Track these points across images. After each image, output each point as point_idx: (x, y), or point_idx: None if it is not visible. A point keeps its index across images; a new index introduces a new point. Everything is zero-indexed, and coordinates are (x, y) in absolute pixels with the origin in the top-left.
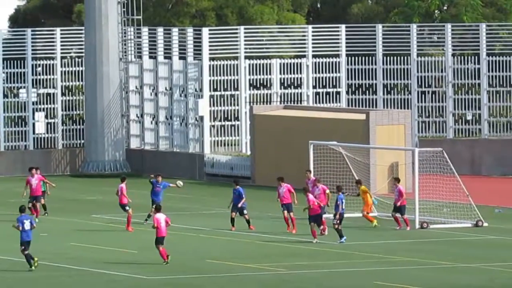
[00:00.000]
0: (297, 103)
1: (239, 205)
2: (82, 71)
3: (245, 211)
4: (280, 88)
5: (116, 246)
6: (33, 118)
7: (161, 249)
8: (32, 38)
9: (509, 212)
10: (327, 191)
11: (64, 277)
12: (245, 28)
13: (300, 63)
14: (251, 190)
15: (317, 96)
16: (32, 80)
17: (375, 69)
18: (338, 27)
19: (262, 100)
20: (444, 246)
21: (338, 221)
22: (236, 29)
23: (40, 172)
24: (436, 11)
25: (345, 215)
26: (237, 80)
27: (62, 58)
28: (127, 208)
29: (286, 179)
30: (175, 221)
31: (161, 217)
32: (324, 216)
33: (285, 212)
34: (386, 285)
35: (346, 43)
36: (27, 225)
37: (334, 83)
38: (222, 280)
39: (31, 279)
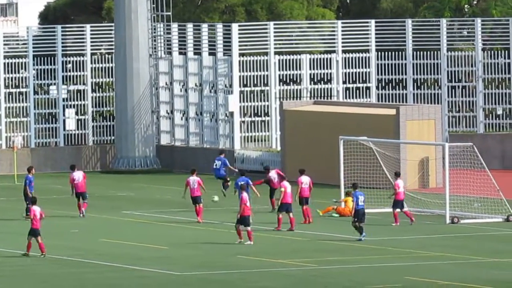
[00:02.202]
0: (327, 98)
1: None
2: (112, 67)
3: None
4: (310, 84)
5: (147, 242)
6: (64, 115)
7: (30, 241)
8: (62, 35)
9: None
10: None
11: (94, 273)
12: (274, 24)
13: (330, 58)
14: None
15: (347, 91)
16: (62, 76)
17: (405, 64)
18: (367, 22)
19: (292, 95)
20: (474, 241)
21: (355, 219)
22: (266, 24)
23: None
24: (465, 5)
25: (375, 210)
26: (267, 75)
27: (92, 54)
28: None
29: (316, 175)
30: (206, 216)
31: (36, 209)
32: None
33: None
34: (416, 280)
35: (376, 38)
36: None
37: (364, 78)
38: (253, 276)
39: (61, 275)
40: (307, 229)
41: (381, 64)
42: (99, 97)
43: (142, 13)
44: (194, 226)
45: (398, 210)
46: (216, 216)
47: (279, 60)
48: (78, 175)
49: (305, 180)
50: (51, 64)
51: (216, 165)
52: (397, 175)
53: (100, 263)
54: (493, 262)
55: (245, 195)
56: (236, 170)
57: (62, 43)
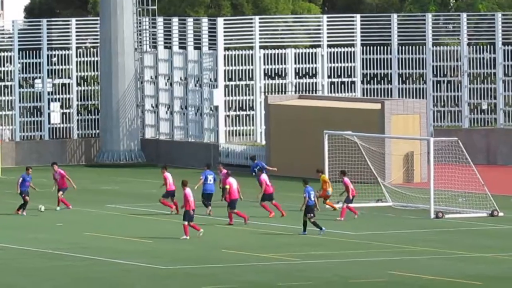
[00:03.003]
0: (312, 92)
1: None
2: (97, 61)
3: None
4: (295, 78)
5: (131, 235)
6: (49, 108)
7: None
8: (48, 29)
9: None
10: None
11: (78, 266)
12: (260, 18)
13: (315, 53)
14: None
15: (332, 86)
16: (48, 70)
17: (390, 58)
18: (353, 16)
19: (277, 90)
20: (459, 236)
21: (310, 214)
22: (251, 19)
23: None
24: (451, 0)
25: (359, 205)
26: (252, 70)
27: (77, 48)
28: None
29: (300, 169)
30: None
31: None
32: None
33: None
34: (400, 274)
35: (361, 32)
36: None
37: (349, 73)
38: (238, 270)
39: (45, 269)
40: (290, 224)
41: (366, 59)
42: (84, 90)
43: (127, 7)
44: (179, 220)
45: (346, 205)
46: (201, 210)
47: (264, 54)
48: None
49: (233, 181)
50: (36, 58)
51: (209, 180)
52: (343, 173)
53: (85, 257)
54: (478, 257)
55: (264, 176)
56: (275, 169)
57: (48, 36)
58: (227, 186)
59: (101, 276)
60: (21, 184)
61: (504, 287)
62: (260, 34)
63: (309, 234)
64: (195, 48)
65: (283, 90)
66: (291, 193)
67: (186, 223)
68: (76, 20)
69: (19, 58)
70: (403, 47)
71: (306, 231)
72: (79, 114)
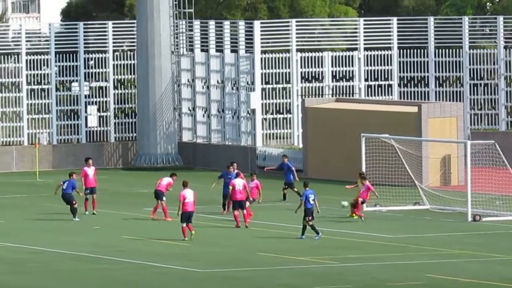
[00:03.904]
0: (349, 95)
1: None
2: (134, 64)
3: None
4: (332, 81)
5: (168, 239)
6: (86, 112)
7: None
8: (84, 32)
9: None
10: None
11: (115, 270)
12: (296, 21)
13: (352, 56)
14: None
15: (369, 89)
16: (85, 73)
17: (427, 61)
18: (389, 19)
19: (314, 93)
20: (496, 239)
21: (308, 217)
22: (288, 21)
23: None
24: (487, 3)
25: (397, 208)
26: (289, 73)
27: (114, 51)
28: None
29: (338, 172)
30: (228, 214)
31: None
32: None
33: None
34: (438, 277)
35: (398, 35)
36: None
37: (386, 76)
38: (275, 273)
39: (83, 272)
40: (327, 227)
41: (403, 62)
42: (121, 94)
43: (164, 10)
44: (215, 223)
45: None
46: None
47: (301, 58)
48: (92, 169)
49: (238, 182)
50: (73, 61)
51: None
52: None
53: (122, 260)
54: None
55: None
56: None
57: (84, 40)
58: (230, 187)
59: (137, 279)
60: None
61: None
62: (297, 37)
63: (345, 237)
64: (232, 51)
65: (320, 93)
66: (328, 196)
67: (183, 224)
68: (113, 23)
69: (56, 61)
70: (440, 50)
71: (304, 235)
72: (116, 117)
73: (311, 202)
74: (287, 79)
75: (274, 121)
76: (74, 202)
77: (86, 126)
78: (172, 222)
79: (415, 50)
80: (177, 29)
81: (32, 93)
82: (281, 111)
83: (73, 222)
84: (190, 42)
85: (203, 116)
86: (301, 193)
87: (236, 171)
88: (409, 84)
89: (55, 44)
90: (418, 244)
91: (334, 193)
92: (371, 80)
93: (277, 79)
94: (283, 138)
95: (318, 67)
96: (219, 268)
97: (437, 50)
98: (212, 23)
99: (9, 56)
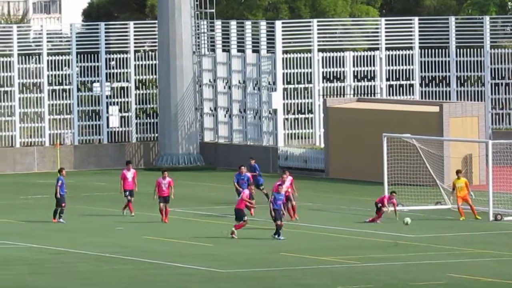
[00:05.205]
0: (371, 95)
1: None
2: (155, 64)
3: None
4: (354, 81)
5: (190, 239)
6: (107, 112)
7: None
8: (106, 32)
9: None
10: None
11: (137, 270)
12: (318, 21)
13: (374, 56)
14: (324, 183)
15: (391, 89)
16: (106, 74)
17: (448, 61)
18: (411, 19)
19: (335, 92)
20: None
21: (277, 219)
22: (309, 21)
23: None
24: (509, 2)
25: (418, 208)
26: (311, 73)
27: (135, 51)
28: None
29: (360, 172)
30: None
31: None
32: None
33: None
34: (460, 277)
35: (419, 35)
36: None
37: (407, 76)
38: (296, 273)
39: (104, 272)
40: (349, 227)
41: (424, 62)
42: (142, 94)
43: (185, 10)
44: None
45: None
46: (261, 213)
47: (322, 57)
48: (131, 173)
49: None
50: (94, 61)
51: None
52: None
53: (144, 260)
54: None
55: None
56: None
57: (106, 40)
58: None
59: (159, 280)
60: (61, 187)
61: None
62: (318, 37)
63: (367, 236)
64: (254, 51)
65: (342, 93)
66: (351, 196)
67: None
68: (134, 24)
69: (77, 62)
70: (461, 49)
71: (282, 235)
72: (138, 118)
73: (278, 203)
74: (309, 79)
75: (296, 121)
76: (63, 204)
77: (108, 126)
78: (196, 223)
79: (437, 50)
80: (198, 29)
81: (54, 93)
82: (302, 111)
83: (62, 224)
84: (212, 42)
85: (225, 116)
86: (269, 195)
87: (247, 174)
88: (430, 84)
89: (77, 45)
90: (440, 243)
91: (356, 193)
92: (392, 80)
93: (299, 79)
94: (305, 138)
95: (340, 67)
96: (241, 268)
97: (458, 50)
98: (233, 23)
99: (31, 57)
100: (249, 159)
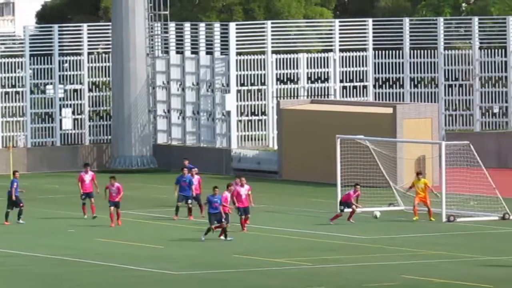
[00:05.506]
0: (324, 97)
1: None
2: (109, 66)
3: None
4: (307, 83)
5: (143, 241)
6: (60, 114)
7: None
8: (59, 34)
9: None
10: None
11: (90, 272)
12: (272, 23)
13: (327, 57)
14: (278, 185)
15: (344, 90)
16: (59, 76)
17: (402, 62)
18: (365, 21)
19: (289, 94)
20: (471, 239)
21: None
22: (263, 23)
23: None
24: (463, 3)
25: (372, 209)
26: (264, 74)
27: (89, 54)
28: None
29: (313, 173)
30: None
31: None
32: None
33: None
34: (413, 278)
35: (373, 37)
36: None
37: (361, 77)
38: (249, 275)
39: (57, 275)
40: (301, 228)
41: (378, 63)
42: (96, 96)
43: (139, 12)
44: (191, 226)
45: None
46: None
47: (276, 59)
48: (89, 175)
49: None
50: (48, 64)
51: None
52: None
53: (97, 263)
54: (489, 260)
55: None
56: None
57: (59, 42)
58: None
59: (112, 282)
60: (16, 189)
61: None
62: (272, 39)
63: (320, 238)
64: (207, 53)
65: (295, 94)
66: (305, 198)
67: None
68: (88, 26)
69: (30, 64)
70: (415, 51)
71: (229, 237)
72: (91, 120)
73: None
74: (263, 81)
75: (249, 123)
76: (21, 204)
77: (61, 128)
78: (148, 225)
79: (390, 51)
80: (152, 31)
81: (7, 96)
82: (256, 113)
83: (21, 225)
84: (166, 44)
85: (178, 118)
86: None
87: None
88: (384, 85)
89: (30, 47)
90: (393, 245)
91: (310, 195)
92: (346, 82)
93: (252, 81)
94: (259, 140)
95: (294, 68)
96: (193, 270)
97: (412, 51)
98: (187, 25)
99: None
100: (183, 159)
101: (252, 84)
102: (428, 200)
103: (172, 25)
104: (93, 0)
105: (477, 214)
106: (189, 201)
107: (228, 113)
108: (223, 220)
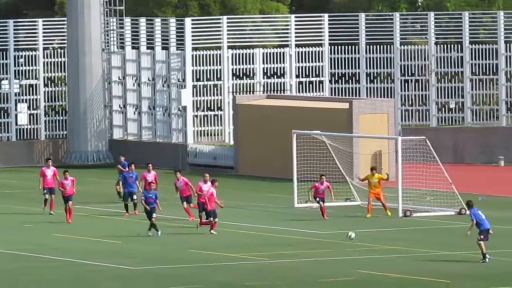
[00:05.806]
0: (280, 92)
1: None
2: (64, 62)
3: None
4: (263, 78)
5: (100, 236)
6: (16, 109)
7: None
8: (14, 29)
9: (492, 200)
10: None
11: (47, 267)
12: (228, 18)
13: (283, 53)
14: (234, 180)
15: (300, 86)
16: (15, 71)
17: (358, 58)
18: (321, 16)
19: (245, 89)
20: (427, 234)
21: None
22: (219, 19)
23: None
24: None
25: (328, 204)
26: (220, 70)
27: (44, 49)
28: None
29: (269, 169)
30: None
31: None
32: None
33: (185, 203)
34: (369, 273)
35: (329, 32)
36: None
37: (317, 72)
38: (205, 270)
39: (14, 270)
40: (257, 224)
41: (334, 58)
42: (51, 91)
43: (94, 7)
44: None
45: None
46: (169, 211)
47: (232, 55)
48: (51, 170)
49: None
50: (3, 59)
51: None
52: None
53: (53, 258)
54: (446, 255)
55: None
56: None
57: (14, 37)
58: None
59: (68, 277)
60: None
61: (471, 285)
62: (228, 34)
63: (277, 234)
64: (163, 48)
65: (251, 90)
66: (261, 193)
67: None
68: (43, 21)
69: None
70: (371, 46)
71: (160, 230)
72: (47, 115)
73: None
74: (218, 76)
75: (205, 118)
76: None
77: (16, 124)
78: (105, 220)
79: (346, 47)
80: (107, 27)
81: None
82: (212, 108)
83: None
84: (121, 40)
85: (134, 113)
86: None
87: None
88: (340, 81)
89: None
90: (349, 240)
91: (266, 190)
92: (302, 77)
93: (208, 76)
94: (215, 135)
95: (249, 64)
96: (150, 265)
97: (368, 47)
98: (143, 21)
99: None
100: (119, 156)
101: (208, 79)
102: (382, 196)
103: (127, 20)
104: None
105: (434, 209)
106: (135, 197)
107: (184, 108)
108: (211, 216)
